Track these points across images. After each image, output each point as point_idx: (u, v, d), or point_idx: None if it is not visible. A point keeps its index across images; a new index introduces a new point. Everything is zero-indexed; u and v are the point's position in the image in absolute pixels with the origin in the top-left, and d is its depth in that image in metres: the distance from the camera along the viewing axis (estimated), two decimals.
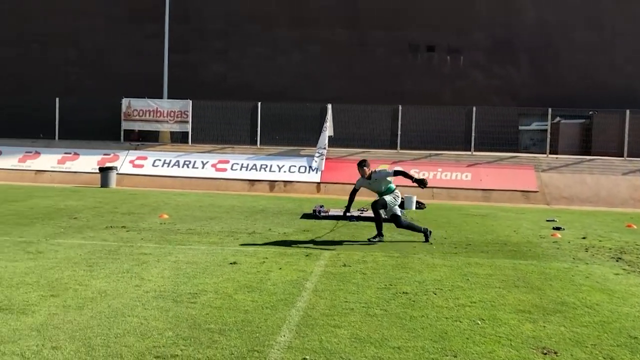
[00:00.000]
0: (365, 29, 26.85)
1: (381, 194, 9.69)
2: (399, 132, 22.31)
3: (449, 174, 20.49)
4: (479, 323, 5.35)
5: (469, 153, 21.82)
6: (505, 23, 26.54)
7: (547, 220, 13.84)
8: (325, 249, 8.94)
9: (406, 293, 6.35)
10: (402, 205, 15.93)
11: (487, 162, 21.06)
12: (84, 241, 9.02)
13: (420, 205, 16.22)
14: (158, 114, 22.95)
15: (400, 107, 22.34)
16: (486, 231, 11.70)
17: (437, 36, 26.69)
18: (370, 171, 9.72)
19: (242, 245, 9.11)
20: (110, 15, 27.32)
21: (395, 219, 9.67)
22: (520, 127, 25.92)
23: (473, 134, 21.92)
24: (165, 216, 12.26)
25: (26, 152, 22.35)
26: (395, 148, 22.23)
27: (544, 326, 5.33)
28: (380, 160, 21.21)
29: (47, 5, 27.66)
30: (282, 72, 26.66)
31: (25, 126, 25.17)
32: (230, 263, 7.63)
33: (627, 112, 21.60)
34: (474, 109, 21.98)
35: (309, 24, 26.81)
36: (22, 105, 26.10)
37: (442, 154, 21.81)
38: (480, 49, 26.65)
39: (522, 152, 23.59)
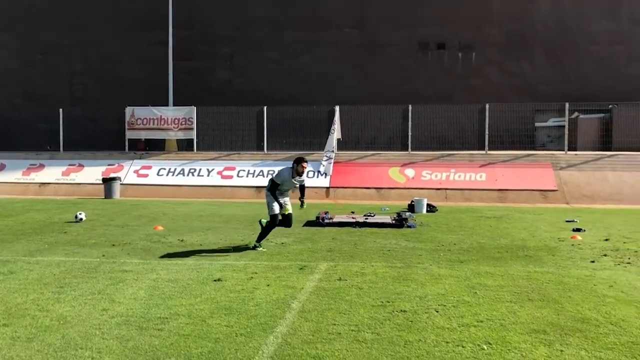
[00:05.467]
0: (374, 28, 26.10)
1: (284, 193, 9.14)
2: (410, 133, 21.47)
3: (463, 175, 19.64)
4: (485, 348, 4.62)
5: (483, 152, 20.94)
6: (519, 16, 25.55)
7: (567, 221, 13.01)
8: (323, 260, 8.25)
9: (404, 311, 5.63)
10: (412, 209, 15.40)
11: (503, 161, 20.16)
12: (64, 258, 8.44)
13: (431, 209, 15.44)
14: (162, 122, 22.46)
15: (410, 107, 21.52)
16: (500, 235, 10.90)
17: (447, 33, 25.83)
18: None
19: (233, 258, 8.46)
20: (115, 25, 26.97)
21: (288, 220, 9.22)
22: (537, 124, 24.83)
23: (487, 133, 21.00)
24: (160, 228, 11.67)
25: (30, 165, 21.96)
26: (407, 149, 21.42)
27: (562, 350, 4.59)
28: (391, 163, 20.46)
29: (51, 16, 27.42)
30: (291, 75, 26.02)
31: (32, 138, 24.99)
32: (215, 280, 6.97)
33: None
34: (487, 106, 21.06)
35: (318, 26, 26.14)
36: (27, 118, 25.93)
37: (455, 154, 20.97)
38: (493, 44, 25.71)
39: (539, 150, 22.60)
